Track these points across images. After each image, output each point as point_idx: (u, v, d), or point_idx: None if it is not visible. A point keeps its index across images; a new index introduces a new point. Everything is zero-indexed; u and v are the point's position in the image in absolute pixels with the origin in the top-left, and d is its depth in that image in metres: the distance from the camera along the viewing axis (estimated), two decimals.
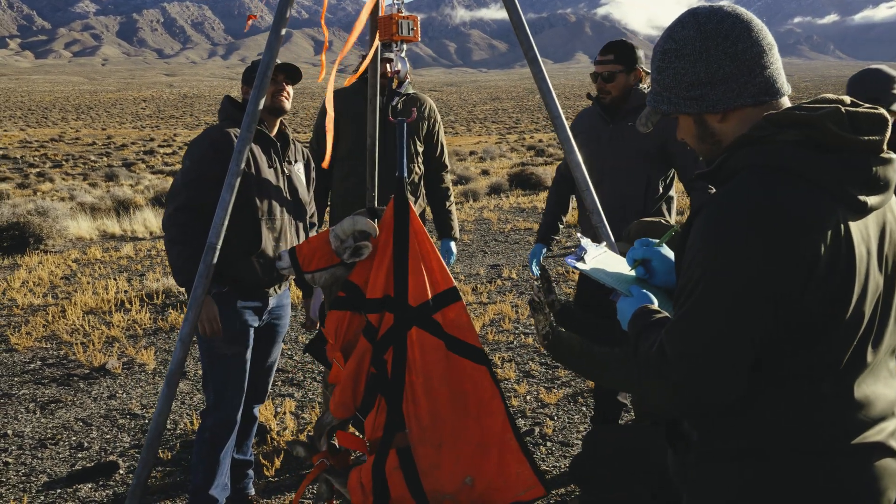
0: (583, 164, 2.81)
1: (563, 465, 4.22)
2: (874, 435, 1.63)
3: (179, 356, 2.65)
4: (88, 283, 9.04)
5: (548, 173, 19.43)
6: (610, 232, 2.80)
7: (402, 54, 3.16)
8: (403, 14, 3.12)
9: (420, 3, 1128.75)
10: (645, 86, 3.94)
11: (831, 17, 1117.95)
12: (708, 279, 1.57)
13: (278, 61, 3.03)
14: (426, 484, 2.68)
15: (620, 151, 3.82)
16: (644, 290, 1.98)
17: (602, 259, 2.23)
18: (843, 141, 1.59)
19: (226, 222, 2.67)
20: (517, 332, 6.74)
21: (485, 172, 23.41)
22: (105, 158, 45.48)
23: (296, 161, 3.56)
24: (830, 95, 1.67)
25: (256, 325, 3.51)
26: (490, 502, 2.70)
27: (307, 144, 4.27)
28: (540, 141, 49.03)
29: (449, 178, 4.91)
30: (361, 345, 2.87)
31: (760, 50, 1.67)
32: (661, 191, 3.88)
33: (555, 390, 5.27)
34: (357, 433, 2.97)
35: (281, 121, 3.43)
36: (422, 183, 4.73)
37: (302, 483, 3.01)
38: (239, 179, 2.69)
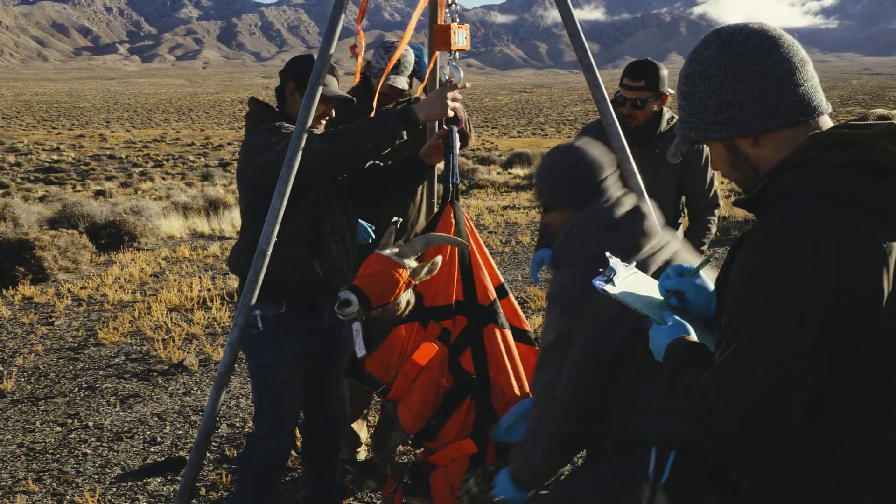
0: (638, 173, 2.72)
1: None
2: None
3: (228, 360, 2.70)
4: (175, 280, 9.38)
5: None
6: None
7: (455, 63, 3.16)
8: (458, 23, 3.14)
9: (512, 4, 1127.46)
10: (667, 108, 3.80)
11: None
12: (757, 317, 1.43)
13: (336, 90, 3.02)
14: None
15: (648, 178, 3.60)
16: (679, 319, 1.84)
17: (632, 281, 2.06)
18: None
19: (276, 229, 2.70)
20: None
21: None
22: (202, 158, 47.29)
23: None
24: (882, 110, 1.53)
25: (313, 347, 3.36)
26: None
27: None
28: None
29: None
30: (436, 354, 2.93)
31: (791, 66, 1.55)
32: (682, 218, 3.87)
33: None
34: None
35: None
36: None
37: None
38: (290, 187, 2.71)
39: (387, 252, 2.99)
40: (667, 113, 3.89)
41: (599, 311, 2.26)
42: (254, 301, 2.74)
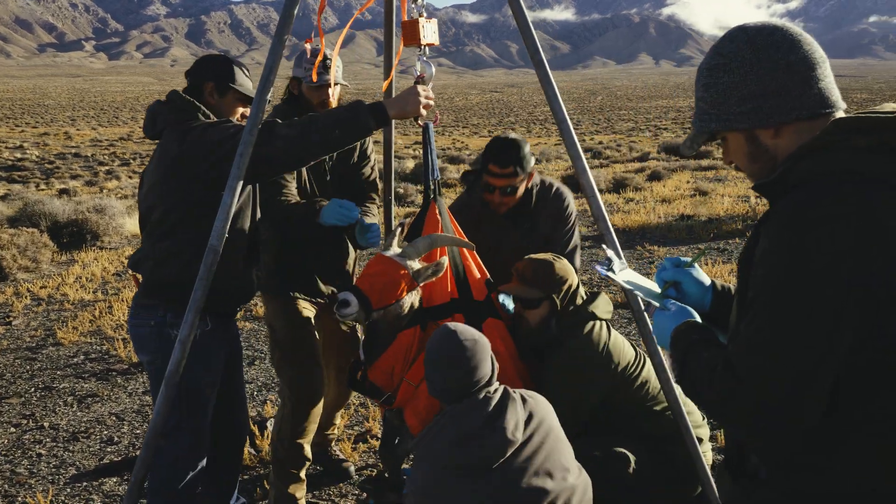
0: (589, 170, 2.74)
1: None
2: None
3: (178, 357, 2.67)
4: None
5: (601, 176, 19.20)
6: (616, 240, 2.73)
7: (425, 58, 3.12)
8: (426, 17, 3.11)
9: (483, 4, 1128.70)
10: (534, 183, 3.65)
11: None
12: (786, 290, 1.45)
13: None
14: None
15: (523, 254, 3.41)
16: (682, 304, 1.89)
17: (628, 273, 2.20)
18: None
19: (227, 226, 2.67)
20: None
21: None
22: None
23: None
24: (892, 104, 1.57)
25: (226, 357, 3.27)
26: None
27: None
28: (600, 143, 48.52)
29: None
30: None
31: (813, 62, 1.60)
32: None
33: None
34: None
35: None
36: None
37: None
38: (241, 184, 2.68)
39: (389, 253, 2.96)
40: (535, 187, 3.68)
41: None
42: (203, 300, 2.70)
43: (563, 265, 3.21)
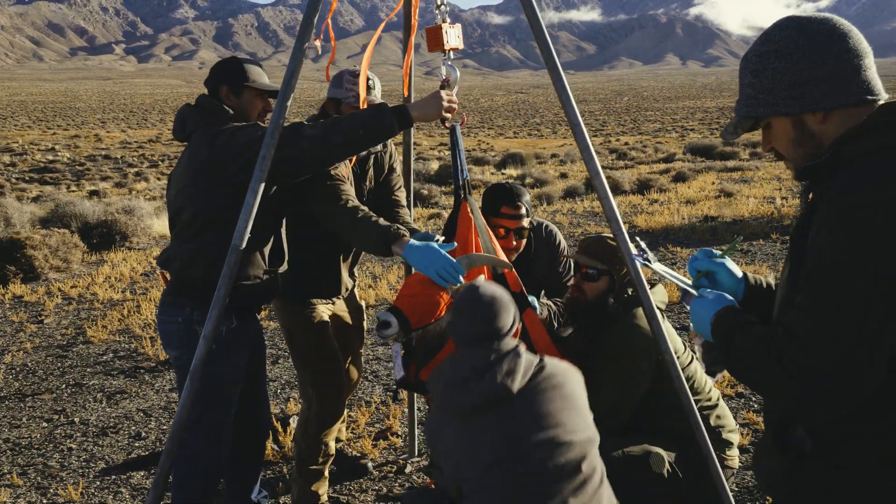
0: (602, 172, 2.79)
1: None
2: None
3: (202, 352, 2.75)
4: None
5: (626, 177, 19.14)
6: (629, 241, 2.77)
7: (450, 62, 3.17)
8: (449, 23, 3.16)
9: (508, 6, 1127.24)
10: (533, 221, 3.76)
11: None
12: (846, 263, 1.52)
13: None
14: None
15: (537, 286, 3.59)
16: (719, 291, 1.94)
17: (659, 266, 2.30)
18: None
19: (249, 227, 2.75)
20: None
21: (563, 175, 23.23)
22: None
23: None
24: None
25: (250, 355, 3.36)
26: None
27: None
28: (626, 144, 48.29)
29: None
30: None
31: (861, 52, 1.68)
32: None
33: None
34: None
35: None
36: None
37: None
38: (263, 185, 2.76)
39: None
40: (531, 228, 3.76)
41: None
42: (227, 297, 2.79)
43: None
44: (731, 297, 1.91)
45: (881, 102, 1.68)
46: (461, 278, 2.92)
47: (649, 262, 2.43)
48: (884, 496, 1.60)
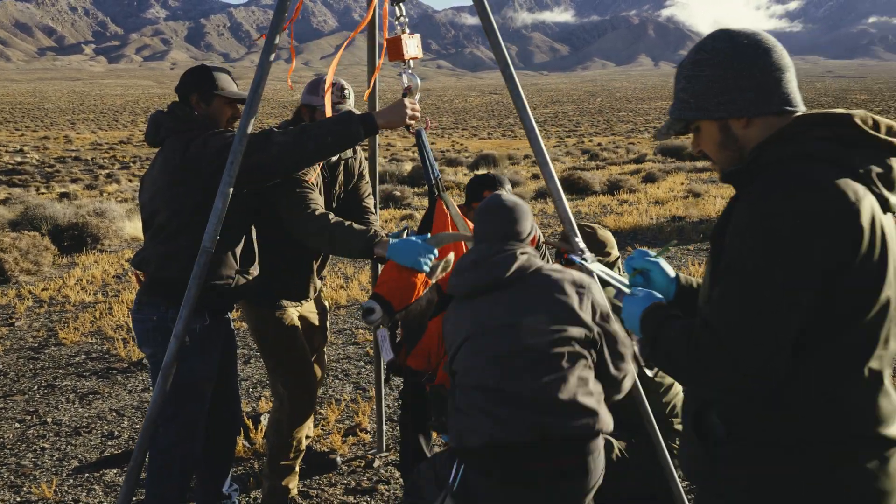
0: (556, 176, 2.94)
1: None
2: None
3: (174, 350, 2.87)
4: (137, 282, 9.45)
5: (596, 178, 19.40)
6: (581, 241, 2.93)
7: (411, 70, 3.31)
8: (408, 33, 3.29)
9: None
10: None
11: None
12: (754, 270, 1.66)
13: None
14: None
15: None
16: (649, 290, 2.09)
17: (598, 266, 2.51)
18: (868, 137, 1.75)
19: (219, 229, 2.86)
20: None
21: (535, 177, 23.44)
22: None
23: None
24: (842, 110, 1.82)
25: (223, 351, 3.48)
26: None
27: None
28: (598, 145, 48.70)
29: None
30: None
31: (784, 66, 1.85)
32: None
33: None
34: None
35: None
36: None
37: None
38: (231, 190, 2.88)
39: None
40: None
41: None
42: (197, 296, 2.90)
43: (605, 233, 3.71)
44: (660, 295, 2.06)
45: (798, 114, 1.84)
46: (433, 257, 3.13)
47: (586, 261, 2.68)
48: (795, 479, 1.74)
